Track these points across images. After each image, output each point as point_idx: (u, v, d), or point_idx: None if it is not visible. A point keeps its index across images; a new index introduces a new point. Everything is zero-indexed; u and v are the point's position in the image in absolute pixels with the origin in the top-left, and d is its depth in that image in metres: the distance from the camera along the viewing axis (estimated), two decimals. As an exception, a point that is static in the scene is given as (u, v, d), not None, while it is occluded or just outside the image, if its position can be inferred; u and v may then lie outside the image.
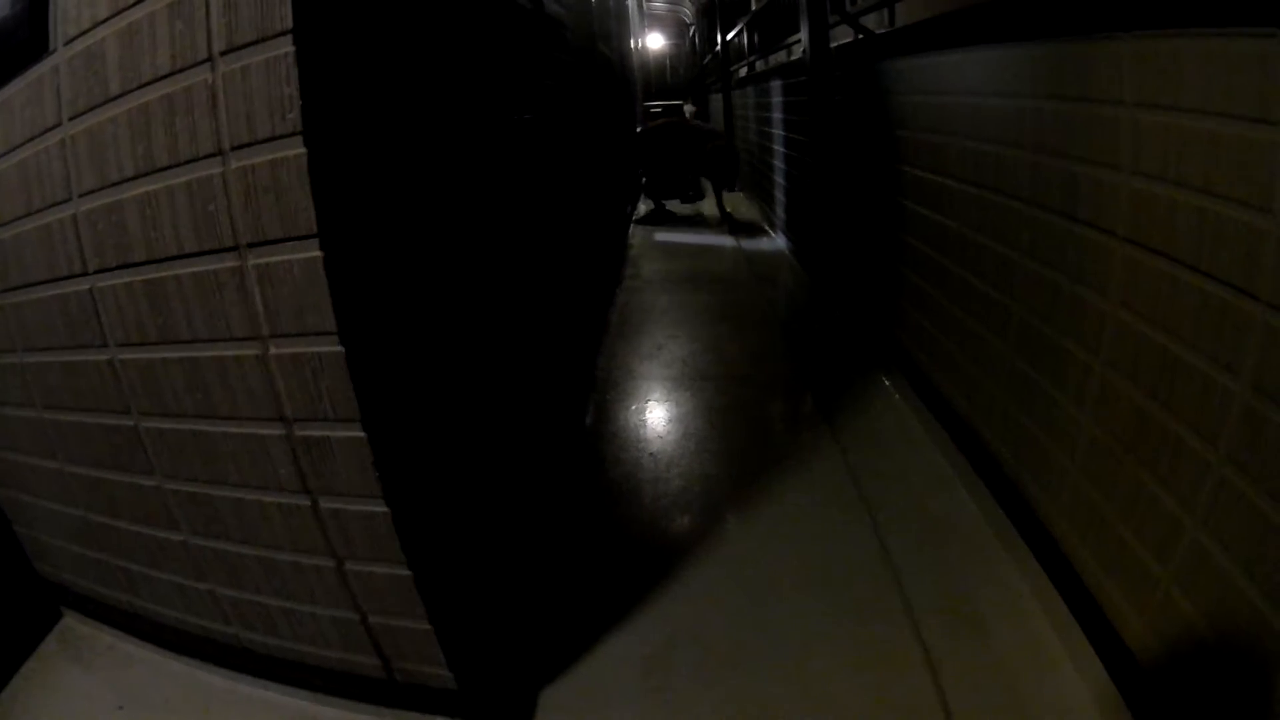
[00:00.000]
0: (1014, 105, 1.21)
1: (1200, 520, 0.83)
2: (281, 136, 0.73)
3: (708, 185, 5.43)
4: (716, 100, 6.82)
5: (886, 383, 2.05)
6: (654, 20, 11.65)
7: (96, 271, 0.91)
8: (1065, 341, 1.10)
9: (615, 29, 4.68)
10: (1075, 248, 1.05)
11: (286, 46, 0.72)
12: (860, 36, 2.14)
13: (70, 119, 0.90)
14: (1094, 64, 0.96)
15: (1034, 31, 1.13)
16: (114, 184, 0.87)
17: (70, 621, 1.35)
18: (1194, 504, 0.83)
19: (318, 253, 0.73)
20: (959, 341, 1.58)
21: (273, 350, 0.79)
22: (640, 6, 9.02)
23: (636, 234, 4.84)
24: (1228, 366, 0.77)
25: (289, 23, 0.72)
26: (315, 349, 0.76)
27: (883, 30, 2.05)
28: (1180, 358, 0.84)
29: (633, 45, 6.95)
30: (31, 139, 0.95)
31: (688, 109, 7.63)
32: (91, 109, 0.87)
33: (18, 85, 0.96)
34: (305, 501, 0.86)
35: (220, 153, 0.77)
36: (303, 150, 0.72)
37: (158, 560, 1.09)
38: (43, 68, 0.92)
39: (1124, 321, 0.95)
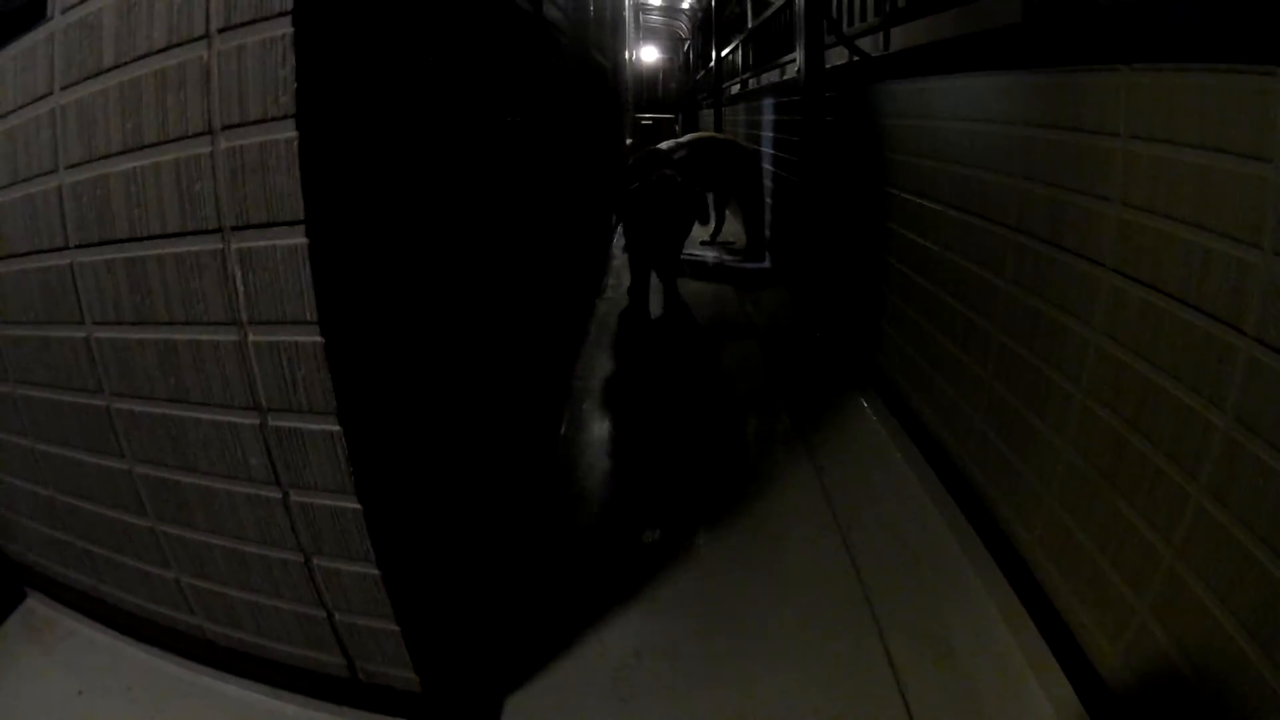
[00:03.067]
0: (1004, 132, 1.22)
1: (1178, 550, 0.83)
2: (274, 119, 0.72)
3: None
4: (707, 116, 6.84)
5: (864, 403, 2.05)
6: (649, 33, 11.72)
7: (78, 246, 0.90)
8: (1046, 368, 1.10)
9: (610, 39, 4.68)
10: (1061, 276, 1.05)
11: (285, 28, 0.71)
12: (855, 59, 2.16)
13: (62, 88, 0.88)
14: (1088, 95, 0.97)
15: (1029, 61, 1.13)
16: (101, 157, 0.85)
17: (34, 603, 1.31)
18: (1172, 534, 0.83)
19: (303, 239, 0.72)
20: (937, 364, 1.58)
21: (251, 337, 0.77)
22: (637, 19, 9.08)
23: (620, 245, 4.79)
24: (1211, 399, 0.77)
25: (289, 4, 0.71)
26: (294, 338, 0.75)
27: (878, 54, 2.06)
28: (1163, 388, 0.84)
29: (627, 57, 6.96)
30: (22, 106, 0.94)
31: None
32: (84, 80, 0.86)
33: (12, 51, 0.94)
34: (276, 493, 0.84)
35: (210, 132, 0.76)
36: (294, 134, 0.71)
37: (124, 545, 1.07)
38: (38, 34, 0.91)
39: (1107, 351, 0.95)
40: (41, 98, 0.91)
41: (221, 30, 0.75)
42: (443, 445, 1.04)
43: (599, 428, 2.07)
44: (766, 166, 3.87)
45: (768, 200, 3.86)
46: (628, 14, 6.72)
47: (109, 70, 0.83)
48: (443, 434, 1.04)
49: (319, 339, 0.74)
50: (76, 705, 1.13)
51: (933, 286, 1.58)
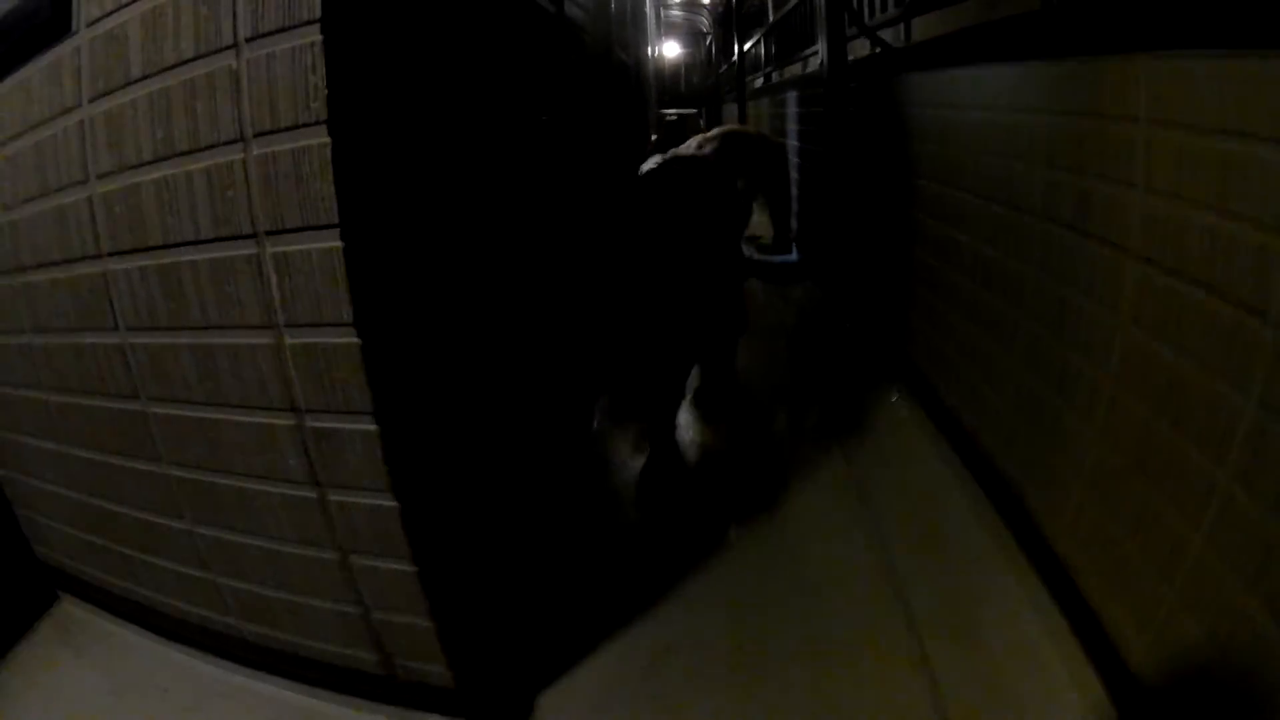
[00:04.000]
0: (1028, 120, 1.22)
1: (1206, 537, 0.83)
2: (305, 125, 0.73)
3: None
4: (731, 110, 6.82)
5: (894, 396, 2.06)
6: (670, 28, 11.69)
7: (110, 254, 0.91)
8: (1074, 356, 1.10)
9: (632, 35, 4.67)
10: (1087, 263, 1.05)
11: (314, 35, 0.72)
12: (878, 50, 2.15)
13: (90, 100, 0.90)
14: (1110, 81, 0.97)
15: (1048, 49, 1.13)
16: (132, 167, 0.86)
17: (66, 606, 1.34)
18: (1200, 521, 0.84)
19: (338, 243, 0.73)
20: (968, 355, 1.58)
21: (287, 340, 0.79)
22: (658, 15, 9.06)
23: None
24: (1236, 384, 0.78)
25: (317, 12, 0.72)
26: (331, 340, 0.76)
27: (900, 45, 2.05)
28: (1188, 374, 0.85)
29: (649, 52, 6.95)
30: (49, 119, 0.95)
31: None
32: (111, 91, 0.87)
33: (37, 65, 0.96)
34: (313, 493, 0.85)
35: (242, 139, 0.77)
36: (327, 139, 0.72)
37: (158, 547, 1.08)
38: (63, 49, 0.92)
39: (1133, 337, 0.95)
40: (69, 110, 0.93)
41: (250, 39, 0.76)
42: (477, 443, 1.05)
43: (631, 424, 2.09)
44: (792, 159, 3.86)
45: (795, 193, 3.86)
46: (649, 9, 6.71)
47: (137, 81, 0.85)
48: (476, 432, 1.05)
49: (355, 340, 0.75)
50: (111, 706, 1.14)
51: (960, 275, 1.59)
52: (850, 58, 2.41)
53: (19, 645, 1.28)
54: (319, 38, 0.72)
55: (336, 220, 0.73)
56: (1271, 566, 0.73)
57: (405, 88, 0.86)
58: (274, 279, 0.77)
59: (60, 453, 1.13)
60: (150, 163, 0.85)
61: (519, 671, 1.12)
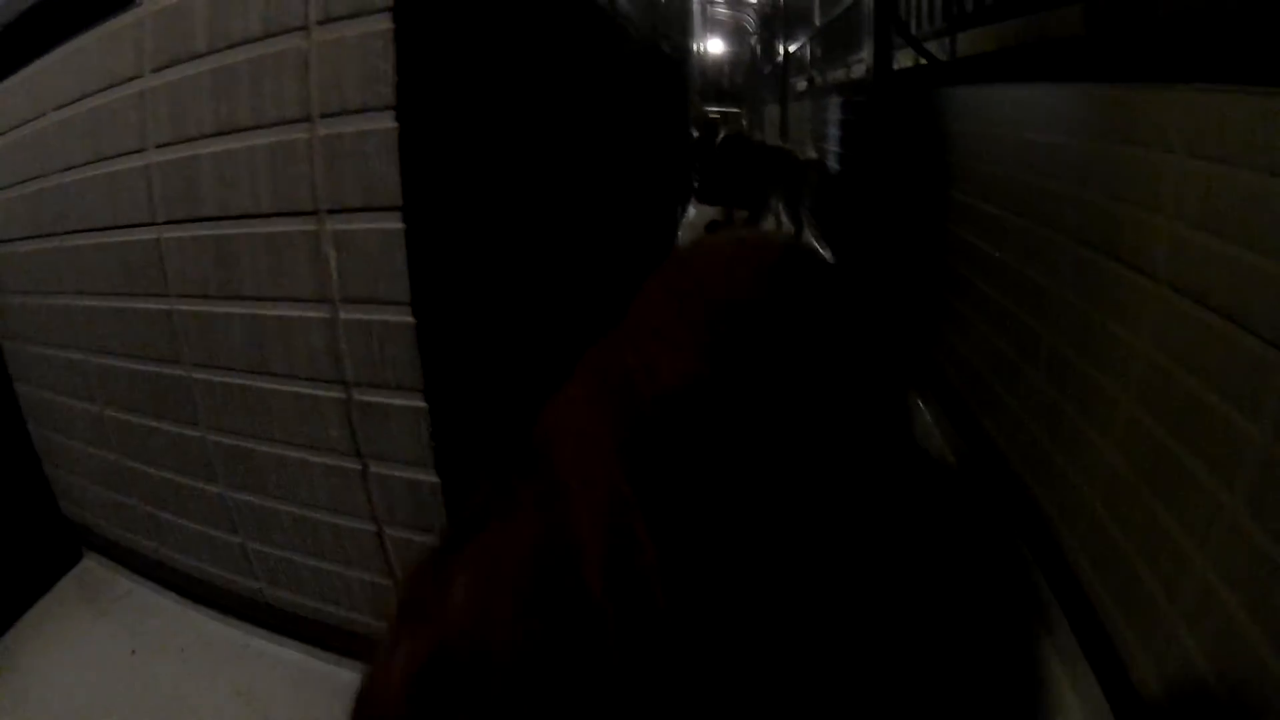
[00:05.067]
0: (1064, 141, 1.25)
1: (1211, 559, 0.86)
2: (373, 109, 0.75)
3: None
4: (772, 111, 6.80)
5: (920, 403, 2.09)
6: (715, 25, 11.64)
7: (164, 222, 0.93)
8: (1095, 373, 1.13)
9: (678, 31, 4.66)
10: (1113, 284, 1.08)
11: (385, 23, 0.74)
12: (923, 61, 2.17)
13: (152, 71, 0.92)
14: (1147, 109, 1.00)
15: (1090, 73, 1.16)
16: (191, 139, 0.89)
17: (90, 564, 1.36)
18: (1206, 542, 0.87)
19: (399, 224, 0.76)
20: (992, 365, 1.61)
21: (341, 315, 0.81)
22: (703, 11, 9.01)
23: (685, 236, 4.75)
24: (1251, 412, 0.81)
25: (389, 0, 0.74)
26: (386, 317, 0.79)
27: (944, 58, 2.08)
28: (1205, 400, 0.88)
29: (694, 48, 6.92)
30: (107, 87, 0.97)
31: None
32: (174, 64, 0.89)
33: (97, 33, 0.98)
34: (355, 464, 0.88)
35: (308, 119, 0.79)
36: (393, 125, 0.75)
37: (188, 510, 1.11)
38: (125, 18, 0.94)
39: (1155, 359, 0.98)
40: (129, 80, 0.95)
41: (321, 22, 0.78)
42: (516, 424, 1.07)
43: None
44: (831, 164, 3.88)
45: (833, 199, 3.90)
46: (694, 5, 6.70)
47: (202, 56, 0.87)
48: (517, 414, 1.07)
49: (410, 319, 0.78)
50: (129, 664, 1.17)
51: (989, 289, 1.62)
52: (895, 67, 2.43)
53: (42, 600, 1.31)
54: (390, 25, 0.74)
55: (399, 203, 0.75)
56: (1272, 591, 0.77)
57: (468, 77, 0.89)
58: (332, 256, 0.80)
59: (95, 413, 1.15)
60: (211, 136, 0.87)
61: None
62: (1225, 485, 0.85)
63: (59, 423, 1.23)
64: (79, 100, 1.02)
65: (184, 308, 0.95)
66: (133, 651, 1.20)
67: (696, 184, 4.35)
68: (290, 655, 1.14)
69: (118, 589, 1.31)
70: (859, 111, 3.00)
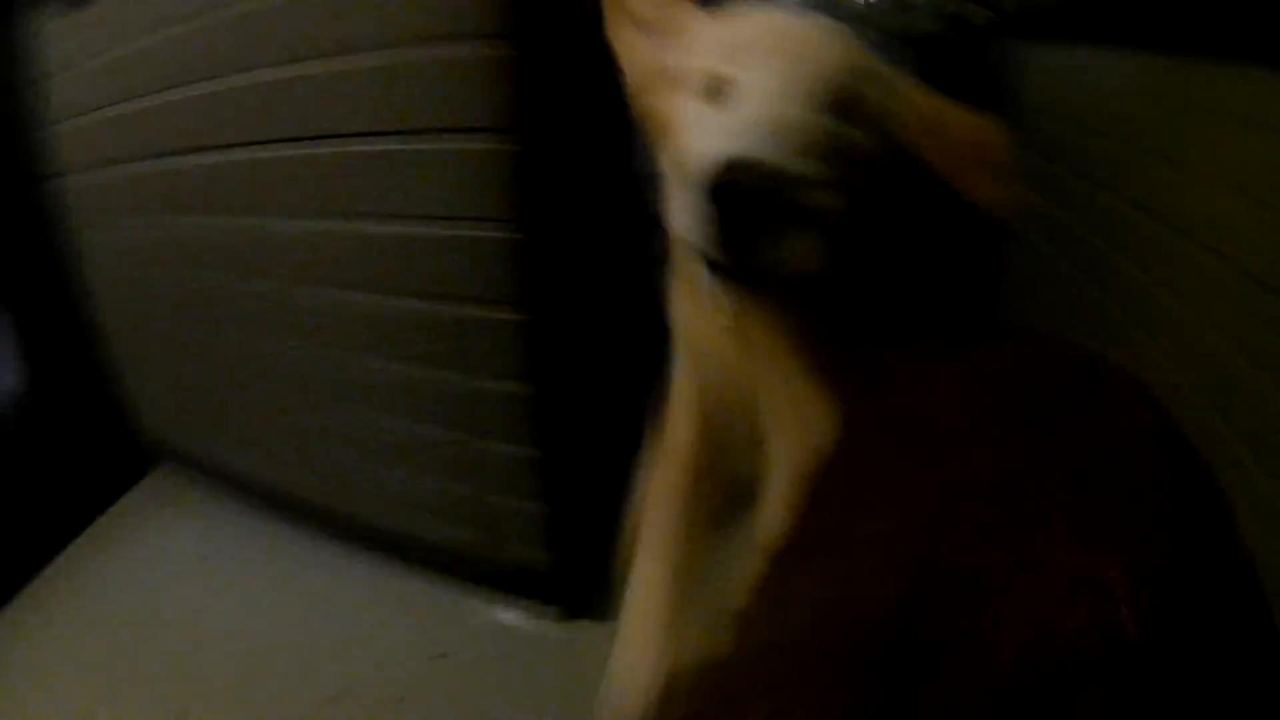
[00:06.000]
0: (1130, 107, 1.26)
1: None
2: (487, 35, 0.78)
3: None
4: None
5: None
6: None
7: (267, 141, 0.97)
8: (1146, 339, 1.16)
9: None
10: (1171, 257, 1.10)
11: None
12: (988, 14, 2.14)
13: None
14: (1216, 82, 1.01)
15: (1165, 44, 1.17)
16: (304, 59, 0.92)
17: (165, 471, 1.42)
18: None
19: (508, 145, 0.79)
20: (1048, 322, 1.63)
21: (445, 231, 0.86)
22: None
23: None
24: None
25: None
26: (488, 234, 0.83)
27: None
28: (1245, 374, 0.90)
29: None
30: (216, 6, 1.00)
31: None
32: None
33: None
34: (449, 375, 0.93)
35: (422, 40, 0.82)
36: (506, 50, 0.78)
37: (266, 422, 1.16)
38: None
39: (1200, 330, 1.01)
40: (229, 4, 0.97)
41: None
42: (603, 344, 1.08)
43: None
44: None
45: None
46: None
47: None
48: (604, 335, 1.08)
49: (513, 235, 0.82)
50: (197, 569, 1.22)
51: (1048, 248, 1.63)
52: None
53: (118, 502, 1.37)
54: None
55: (509, 124, 0.78)
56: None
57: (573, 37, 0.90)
58: (439, 174, 0.84)
59: (174, 324, 1.20)
60: (322, 55, 0.90)
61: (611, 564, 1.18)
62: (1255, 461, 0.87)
63: (138, 333, 1.28)
64: (178, 22, 1.05)
65: (283, 226, 0.99)
66: (202, 557, 1.26)
67: None
68: (360, 570, 1.17)
69: (190, 498, 1.37)
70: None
